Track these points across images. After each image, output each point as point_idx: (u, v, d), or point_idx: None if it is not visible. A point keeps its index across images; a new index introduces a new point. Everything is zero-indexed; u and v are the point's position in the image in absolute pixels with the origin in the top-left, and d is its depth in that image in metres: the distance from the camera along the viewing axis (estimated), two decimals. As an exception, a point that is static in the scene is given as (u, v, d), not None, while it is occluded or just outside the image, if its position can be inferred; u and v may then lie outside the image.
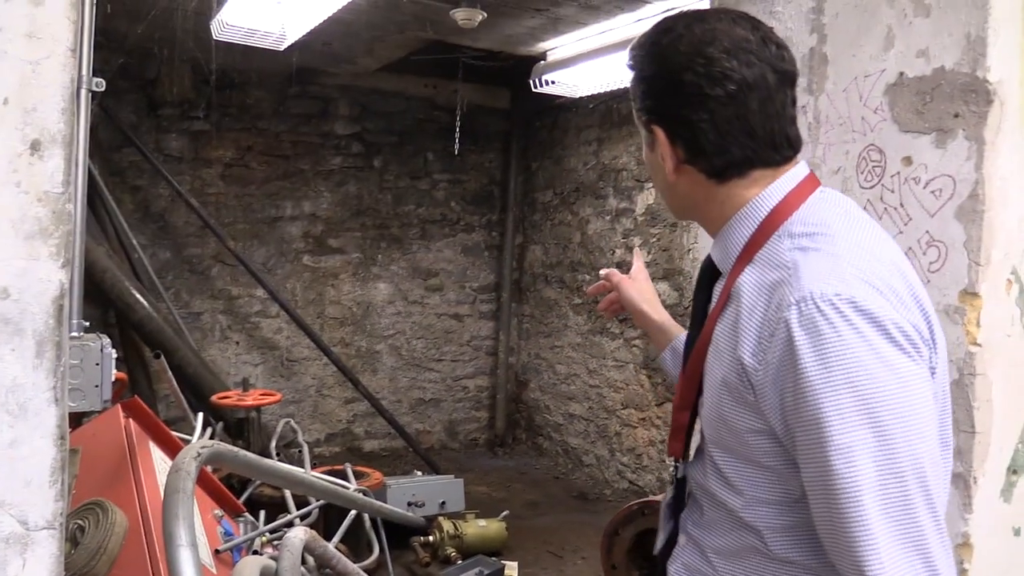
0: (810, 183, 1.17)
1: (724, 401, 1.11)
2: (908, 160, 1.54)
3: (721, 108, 1.11)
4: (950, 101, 1.47)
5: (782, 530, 1.10)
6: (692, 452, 1.28)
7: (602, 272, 1.70)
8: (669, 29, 1.16)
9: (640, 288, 1.66)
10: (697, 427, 1.25)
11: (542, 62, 5.23)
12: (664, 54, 1.15)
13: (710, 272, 1.26)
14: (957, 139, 1.46)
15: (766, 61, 1.12)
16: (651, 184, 5.72)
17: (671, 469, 1.29)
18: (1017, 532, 1.53)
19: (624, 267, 5.53)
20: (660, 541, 1.34)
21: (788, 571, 1.10)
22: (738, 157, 1.14)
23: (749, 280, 1.11)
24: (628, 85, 1.26)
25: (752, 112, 1.11)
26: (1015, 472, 1.50)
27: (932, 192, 1.49)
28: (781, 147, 1.15)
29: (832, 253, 1.05)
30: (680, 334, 1.57)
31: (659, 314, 1.64)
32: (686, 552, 1.25)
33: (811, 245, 1.07)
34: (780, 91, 1.13)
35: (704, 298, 1.26)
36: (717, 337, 1.14)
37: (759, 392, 1.05)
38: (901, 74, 1.55)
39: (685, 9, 1.23)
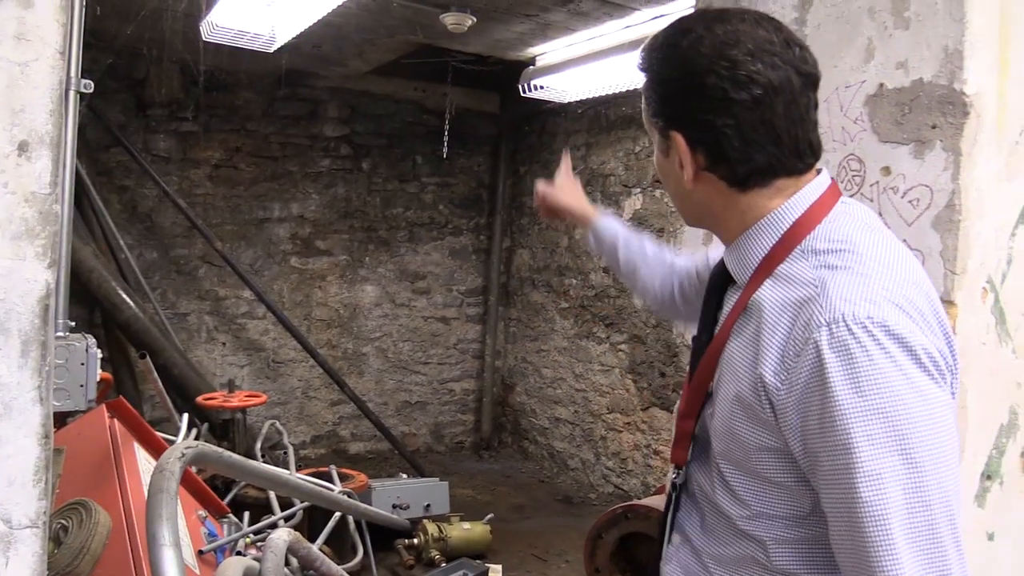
0: (832, 194, 1.14)
1: (737, 416, 1.09)
2: (887, 170, 1.56)
3: (746, 113, 1.07)
4: (928, 112, 1.50)
5: (786, 543, 1.09)
6: (692, 456, 1.25)
7: (537, 189, 1.91)
8: (688, 30, 1.11)
9: (565, 189, 1.88)
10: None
11: (531, 67, 5.25)
12: (685, 56, 1.10)
13: (722, 278, 1.23)
14: (935, 150, 1.48)
15: (790, 63, 1.08)
16: (638, 189, 5.74)
17: (672, 475, 1.26)
18: (991, 537, 1.56)
19: (611, 272, 5.49)
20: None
21: None
22: (762, 165, 1.10)
23: (771, 296, 1.08)
24: (640, 88, 1.21)
25: (778, 117, 1.07)
26: (989, 478, 1.53)
27: (910, 202, 1.52)
28: (804, 154, 1.12)
29: (861, 272, 1.02)
30: (599, 217, 1.81)
31: (581, 207, 1.85)
32: (682, 553, 1.24)
33: (838, 263, 1.04)
34: (804, 95, 1.10)
35: (714, 304, 1.24)
36: (731, 351, 1.12)
37: (779, 412, 1.02)
38: (881, 85, 1.58)
39: (702, 8, 1.18)
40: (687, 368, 1.30)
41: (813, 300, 1.01)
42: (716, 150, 1.10)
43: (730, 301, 1.19)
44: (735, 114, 1.07)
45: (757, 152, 1.09)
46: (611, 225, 1.81)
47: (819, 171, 1.16)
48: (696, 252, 1.69)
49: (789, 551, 1.08)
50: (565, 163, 1.93)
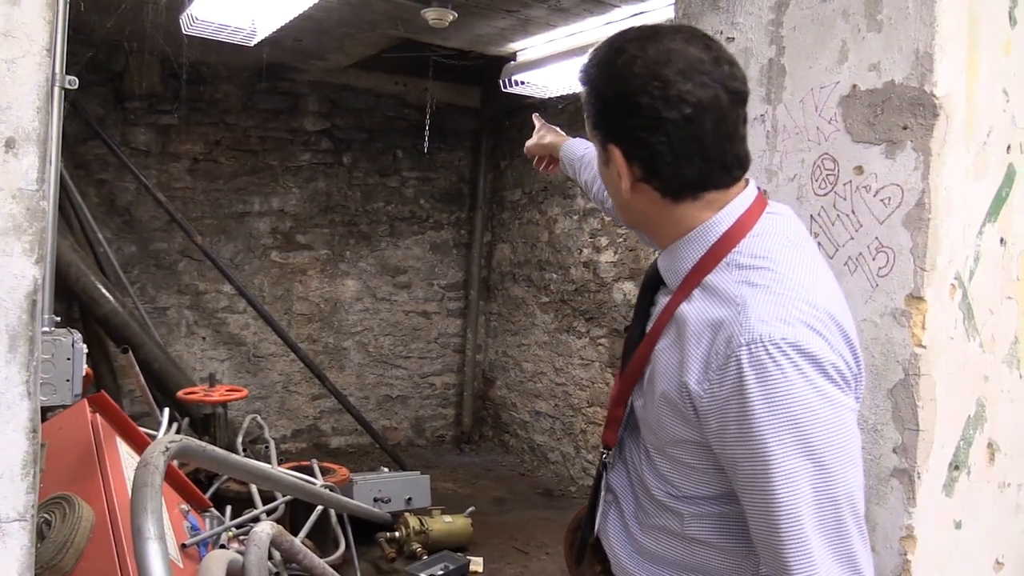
0: (758, 206, 1.22)
1: (663, 411, 1.20)
2: (860, 169, 1.60)
3: (677, 131, 1.13)
4: (899, 113, 1.53)
5: (700, 517, 1.22)
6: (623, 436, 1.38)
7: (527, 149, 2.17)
8: (622, 50, 1.17)
9: (543, 133, 2.13)
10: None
11: (512, 62, 5.27)
12: (619, 76, 1.16)
13: (655, 278, 1.32)
14: (905, 150, 1.52)
15: (719, 81, 1.13)
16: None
17: (603, 455, 1.39)
18: (958, 525, 1.60)
19: (591, 266, 5.54)
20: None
21: (698, 548, 1.24)
22: (692, 179, 1.17)
23: (695, 311, 1.16)
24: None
25: (707, 134, 1.14)
26: (956, 468, 1.58)
27: (882, 200, 1.56)
28: (732, 167, 1.19)
29: (777, 292, 1.10)
30: (565, 143, 2.04)
31: (556, 140, 2.09)
32: (611, 510, 1.38)
33: (758, 280, 1.13)
34: (732, 111, 1.16)
35: (647, 300, 1.33)
36: (659, 354, 1.22)
37: (702, 415, 1.13)
38: (854, 86, 1.61)
39: (637, 25, 1.23)
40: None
41: (734, 320, 1.09)
42: (650, 165, 1.17)
43: (661, 301, 1.29)
44: (667, 132, 1.13)
45: (687, 167, 1.16)
46: (575, 147, 2.01)
47: (747, 182, 1.24)
48: None
49: (702, 524, 1.22)
50: (538, 120, 2.19)
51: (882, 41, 1.56)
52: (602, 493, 1.39)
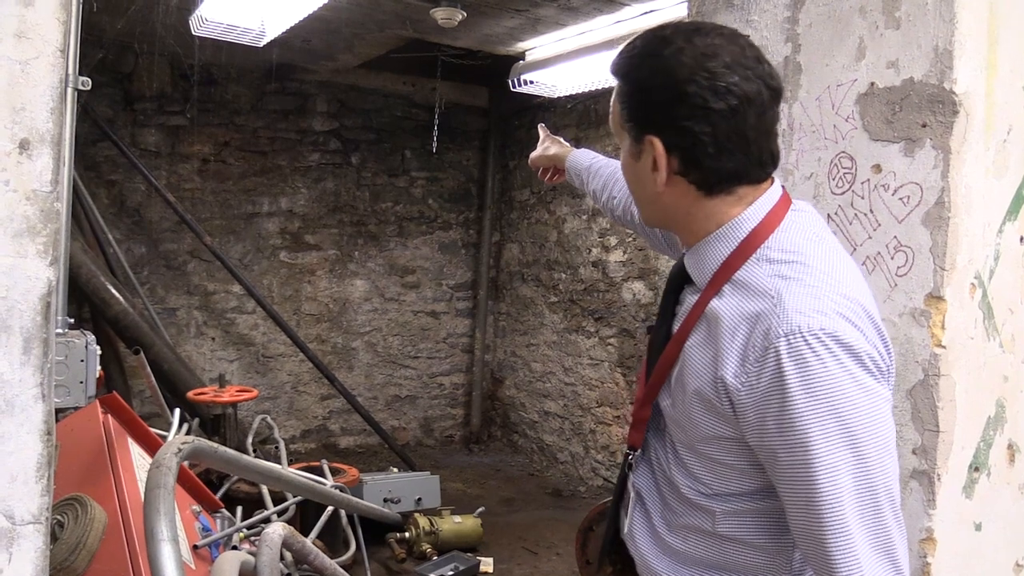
0: (784, 203, 1.22)
1: (695, 408, 1.19)
2: (878, 168, 1.58)
3: (722, 122, 1.13)
4: (918, 111, 1.52)
5: (733, 515, 1.22)
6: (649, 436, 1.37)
7: (531, 161, 2.18)
8: (669, 40, 1.17)
9: (548, 146, 2.13)
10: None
11: (521, 62, 5.25)
12: (667, 65, 1.16)
13: (680, 277, 1.31)
14: (924, 148, 1.51)
15: (761, 77, 1.15)
16: (628, 184, 5.75)
17: (627, 456, 1.38)
18: (978, 527, 1.59)
19: (600, 266, 5.52)
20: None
21: (730, 546, 1.23)
22: (730, 172, 1.17)
23: (728, 306, 1.16)
24: (613, 94, 1.26)
25: (749, 127, 1.15)
26: (976, 469, 1.56)
27: (900, 199, 1.54)
28: (766, 163, 1.20)
29: (811, 284, 1.11)
30: (571, 153, 2.04)
31: (561, 152, 2.09)
32: (636, 509, 1.37)
33: (790, 274, 1.13)
34: (771, 107, 1.17)
35: (672, 300, 1.32)
36: (690, 351, 1.21)
37: (739, 409, 1.12)
38: (872, 84, 1.60)
39: (675, 21, 1.24)
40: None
41: (771, 312, 1.10)
42: (691, 155, 1.17)
43: (688, 300, 1.28)
44: (712, 122, 1.13)
45: (728, 159, 1.16)
46: (581, 157, 2.01)
47: (773, 179, 1.24)
48: None
49: (734, 521, 1.22)
50: (543, 131, 2.20)
51: (900, 38, 1.55)
52: (629, 494, 1.38)
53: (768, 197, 1.21)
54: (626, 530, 1.38)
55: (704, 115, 1.13)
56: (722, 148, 1.15)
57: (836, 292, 1.10)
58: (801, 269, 1.13)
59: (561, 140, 2.14)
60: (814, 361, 1.05)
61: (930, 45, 1.50)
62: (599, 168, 1.93)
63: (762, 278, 1.14)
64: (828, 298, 1.09)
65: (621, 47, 1.26)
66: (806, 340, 1.05)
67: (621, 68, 1.23)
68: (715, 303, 1.18)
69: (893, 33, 1.56)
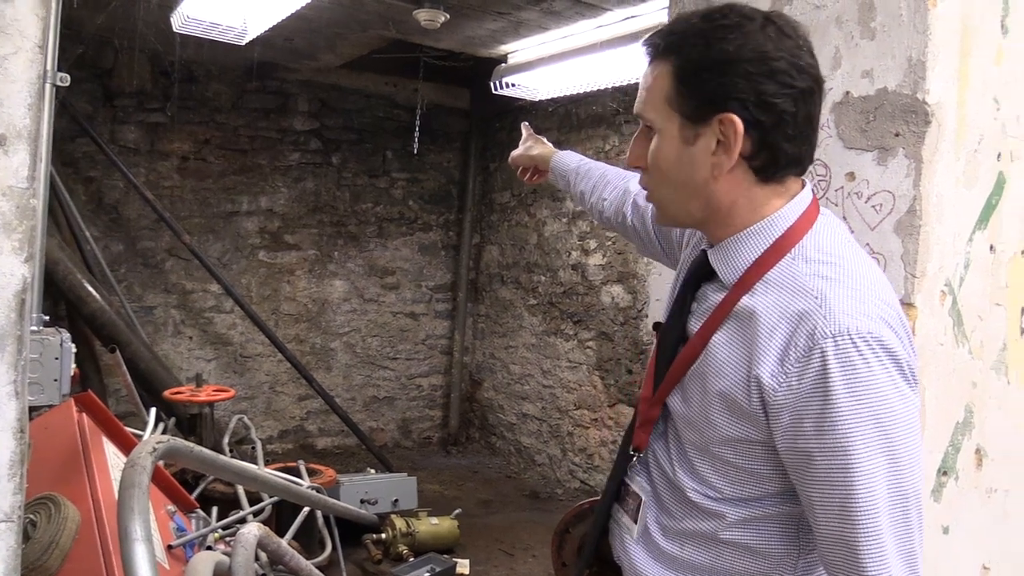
0: (815, 206, 1.20)
1: (715, 409, 1.16)
2: (852, 175, 1.60)
3: (802, 101, 1.12)
4: (892, 121, 1.54)
5: (742, 521, 1.19)
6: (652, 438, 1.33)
7: (512, 159, 2.14)
8: (749, 17, 1.12)
9: (530, 145, 2.10)
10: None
11: (503, 64, 5.27)
12: (754, 39, 1.10)
13: (699, 273, 1.26)
14: (897, 157, 1.53)
15: (815, 68, 1.15)
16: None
17: (631, 457, 1.33)
18: (946, 531, 1.61)
19: (580, 269, 5.53)
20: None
21: (729, 553, 1.21)
22: (794, 157, 1.15)
23: (766, 303, 1.12)
24: (650, 75, 1.18)
25: (817, 112, 1.14)
26: (945, 473, 1.58)
27: (873, 207, 1.56)
28: (812, 156, 1.20)
29: (853, 287, 1.09)
30: (555, 156, 2.00)
31: (544, 152, 2.05)
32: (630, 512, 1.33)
33: (831, 275, 1.10)
34: (821, 101, 1.17)
35: (690, 296, 1.27)
36: (716, 349, 1.16)
37: (772, 410, 1.09)
38: (847, 93, 1.62)
39: (739, 5, 1.16)
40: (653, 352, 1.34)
41: (816, 311, 1.07)
42: (769, 135, 1.12)
43: (710, 297, 1.23)
44: (795, 100, 1.11)
45: (799, 144, 1.14)
46: (567, 159, 1.98)
47: (804, 183, 1.23)
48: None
49: (744, 526, 1.19)
50: (526, 129, 2.17)
51: (875, 48, 1.57)
52: (638, 497, 1.33)
53: (804, 196, 1.20)
54: (636, 535, 1.32)
55: (789, 92, 1.10)
56: (799, 130, 1.13)
57: (877, 297, 1.09)
58: (840, 271, 1.11)
59: (544, 140, 2.11)
60: (861, 365, 1.03)
61: (904, 56, 1.52)
62: (588, 170, 1.89)
63: (803, 277, 1.11)
64: (871, 302, 1.08)
65: (661, 26, 1.19)
66: (854, 343, 1.03)
67: (680, 43, 1.15)
68: (748, 300, 1.14)
69: (868, 43, 1.59)
